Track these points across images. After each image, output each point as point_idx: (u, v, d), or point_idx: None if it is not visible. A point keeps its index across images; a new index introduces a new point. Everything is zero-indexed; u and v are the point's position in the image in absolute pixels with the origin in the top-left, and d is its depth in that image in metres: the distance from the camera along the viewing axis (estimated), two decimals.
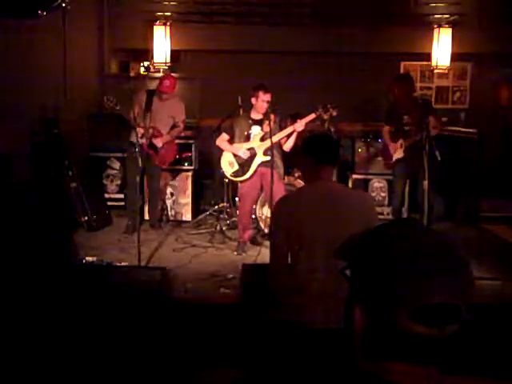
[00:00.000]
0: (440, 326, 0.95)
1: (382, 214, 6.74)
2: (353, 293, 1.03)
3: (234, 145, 5.67)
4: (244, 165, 5.62)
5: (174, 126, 6.23)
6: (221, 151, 5.84)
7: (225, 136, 5.72)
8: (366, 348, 1.00)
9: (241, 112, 6.05)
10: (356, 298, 1.02)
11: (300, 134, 5.55)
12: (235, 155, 5.66)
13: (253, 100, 5.48)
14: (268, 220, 5.53)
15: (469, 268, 1.00)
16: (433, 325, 0.94)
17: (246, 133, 5.63)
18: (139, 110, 5.86)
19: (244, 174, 5.62)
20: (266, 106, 5.42)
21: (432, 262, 0.96)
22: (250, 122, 5.61)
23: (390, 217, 6.54)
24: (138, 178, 5.32)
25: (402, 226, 1.07)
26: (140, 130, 5.58)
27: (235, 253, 5.62)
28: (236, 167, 5.66)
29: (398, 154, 6.00)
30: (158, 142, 6.04)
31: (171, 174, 6.80)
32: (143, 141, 5.75)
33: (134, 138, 5.70)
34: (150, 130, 5.92)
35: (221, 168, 5.83)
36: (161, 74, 7.27)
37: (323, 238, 2.60)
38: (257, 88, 5.45)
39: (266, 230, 5.86)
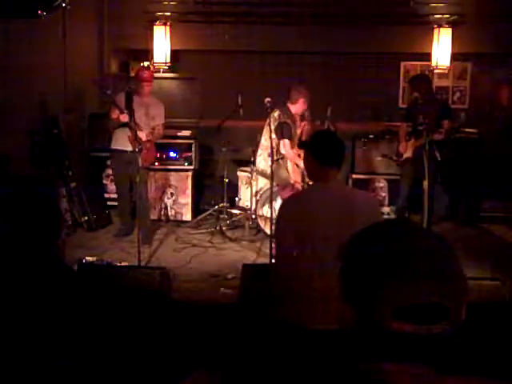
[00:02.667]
0: (427, 324, 0.94)
1: (382, 213, 6.74)
2: (344, 291, 1.03)
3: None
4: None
5: (152, 130, 5.86)
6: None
7: (289, 142, 5.63)
8: (361, 348, 1.00)
9: (241, 112, 6.06)
10: (346, 297, 1.02)
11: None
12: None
13: (301, 101, 5.66)
14: (268, 220, 5.54)
15: (459, 268, 0.99)
16: (420, 323, 0.94)
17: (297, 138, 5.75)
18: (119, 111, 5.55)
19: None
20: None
21: (420, 262, 0.96)
22: (294, 126, 5.74)
23: (392, 216, 6.54)
24: (128, 184, 5.32)
25: (393, 225, 1.07)
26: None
27: None
28: (299, 178, 5.78)
29: (407, 154, 6.02)
30: (142, 135, 5.59)
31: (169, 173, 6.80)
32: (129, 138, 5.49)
33: (118, 145, 5.67)
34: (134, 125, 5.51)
35: (291, 178, 5.84)
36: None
37: (329, 239, 2.59)
38: (303, 90, 5.67)
39: (266, 230, 5.86)
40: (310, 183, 5.81)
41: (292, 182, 5.79)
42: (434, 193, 5.63)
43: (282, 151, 5.59)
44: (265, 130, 5.86)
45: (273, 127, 5.60)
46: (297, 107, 5.70)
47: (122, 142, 5.62)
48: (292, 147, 5.74)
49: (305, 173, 5.83)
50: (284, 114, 5.64)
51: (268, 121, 5.70)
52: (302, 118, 5.85)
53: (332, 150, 2.81)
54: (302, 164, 5.76)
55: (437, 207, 6.04)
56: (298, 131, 5.91)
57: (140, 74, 5.85)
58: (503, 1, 7.13)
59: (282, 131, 5.58)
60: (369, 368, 0.98)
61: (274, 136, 5.66)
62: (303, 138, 5.90)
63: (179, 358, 3.08)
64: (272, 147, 5.18)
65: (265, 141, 5.88)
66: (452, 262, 0.99)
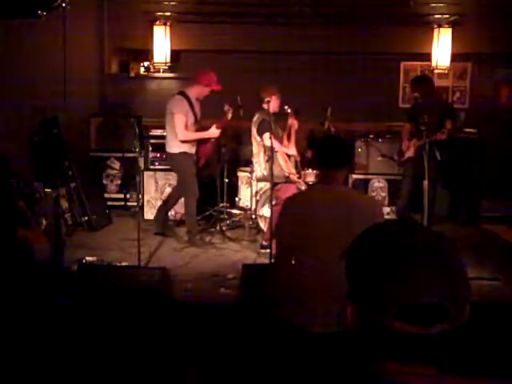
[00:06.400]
0: (427, 325, 0.94)
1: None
2: (348, 291, 1.03)
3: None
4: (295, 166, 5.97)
5: None
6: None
7: (269, 134, 5.60)
8: (365, 347, 1.00)
9: (240, 112, 6.06)
10: (348, 296, 1.02)
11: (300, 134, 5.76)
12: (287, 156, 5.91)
13: (274, 98, 5.82)
14: (267, 219, 5.54)
15: (462, 269, 0.99)
16: (420, 323, 0.94)
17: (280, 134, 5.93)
18: (188, 118, 5.81)
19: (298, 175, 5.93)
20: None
21: (422, 262, 0.95)
22: (273, 123, 5.81)
23: (392, 216, 6.53)
24: None
25: (396, 226, 1.07)
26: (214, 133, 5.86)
27: (262, 250, 5.55)
28: (293, 169, 5.93)
29: (409, 153, 6.05)
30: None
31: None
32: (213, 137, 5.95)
33: (185, 148, 5.88)
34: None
35: (284, 170, 5.85)
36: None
37: (328, 240, 2.59)
38: (273, 88, 5.83)
39: (265, 230, 5.87)
40: (308, 171, 5.92)
41: (287, 174, 5.79)
42: (434, 193, 5.64)
43: (267, 143, 5.60)
44: (252, 139, 5.91)
45: (255, 131, 5.76)
46: (272, 105, 5.84)
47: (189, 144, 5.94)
48: (280, 142, 5.83)
49: (297, 161, 5.97)
50: (261, 115, 5.76)
51: (252, 128, 5.85)
52: (283, 114, 5.97)
53: (331, 154, 2.83)
54: (291, 151, 5.91)
55: (437, 207, 6.04)
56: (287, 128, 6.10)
57: (215, 80, 5.95)
58: (503, 1, 7.13)
59: (261, 128, 5.71)
60: (374, 367, 0.98)
61: (259, 138, 5.71)
62: (291, 134, 6.09)
63: (179, 357, 3.08)
64: (265, 146, 5.25)
65: (254, 148, 5.92)
66: (454, 262, 0.98)
